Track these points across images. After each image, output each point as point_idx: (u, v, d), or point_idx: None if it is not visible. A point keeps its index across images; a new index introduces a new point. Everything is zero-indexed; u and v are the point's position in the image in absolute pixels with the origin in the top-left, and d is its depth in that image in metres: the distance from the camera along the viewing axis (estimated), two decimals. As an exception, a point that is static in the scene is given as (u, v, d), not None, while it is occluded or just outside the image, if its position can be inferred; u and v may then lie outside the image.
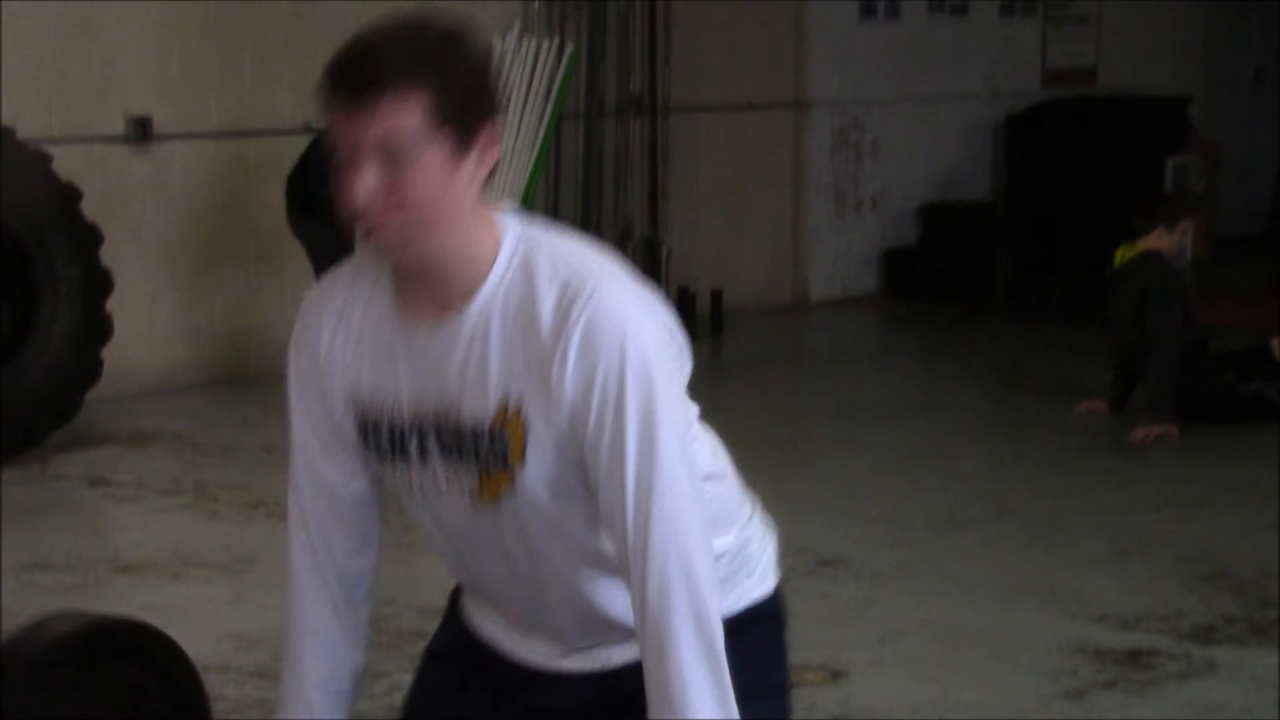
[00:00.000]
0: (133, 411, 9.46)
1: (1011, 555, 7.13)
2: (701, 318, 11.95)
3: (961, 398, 10.53)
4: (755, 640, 2.97)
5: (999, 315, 13.44)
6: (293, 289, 9.84)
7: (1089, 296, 10.66)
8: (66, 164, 9.09)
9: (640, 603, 2.73)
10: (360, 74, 2.65)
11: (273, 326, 10.32)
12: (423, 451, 2.84)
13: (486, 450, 2.77)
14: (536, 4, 11.55)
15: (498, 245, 2.77)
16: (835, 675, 5.94)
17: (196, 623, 6.51)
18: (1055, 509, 7.98)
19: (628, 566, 2.74)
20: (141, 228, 9.99)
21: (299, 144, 9.79)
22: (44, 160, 8.90)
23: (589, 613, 2.92)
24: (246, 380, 10.37)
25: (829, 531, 7.43)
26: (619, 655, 2.94)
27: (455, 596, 3.17)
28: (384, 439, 2.87)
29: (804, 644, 6.14)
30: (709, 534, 2.80)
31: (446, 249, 2.73)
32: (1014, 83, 14.50)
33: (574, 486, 2.78)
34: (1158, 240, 9.37)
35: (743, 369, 10.96)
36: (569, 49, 11.17)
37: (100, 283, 8.87)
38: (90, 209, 8.92)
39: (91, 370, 8.76)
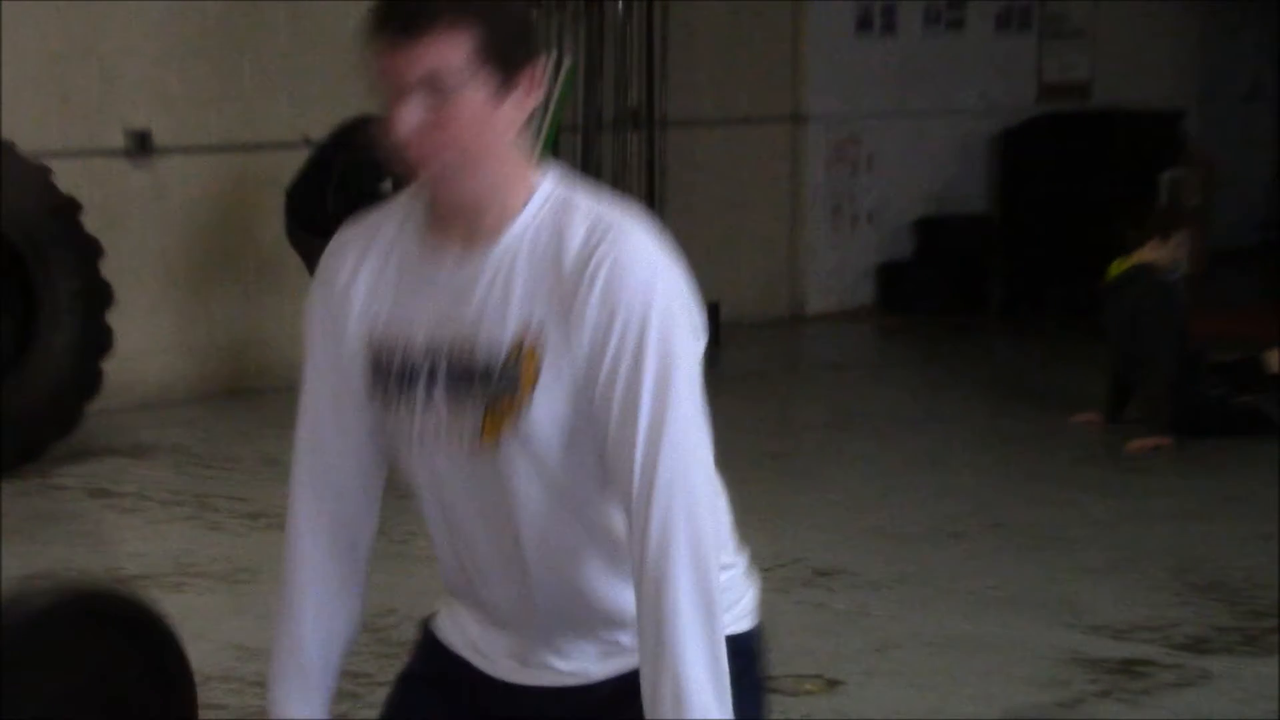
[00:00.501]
0: (133, 423, 9.48)
1: (1006, 566, 7.15)
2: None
3: (957, 410, 10.54)
4: (732, 675, 2.89)
5: (994, 328, 13.46)
6: (292, 302, 9.85)
7: (1084, 309, 10.67)
8: (67, 177, 9.10)
9: (640, 552, 2.71)
10: (410, 9, 2.68)
11: (272, 339, 10.34)
12: (430, 385, 2.82)
13: (497, 380, 2.75)
14: (534, 17, 11.55)
15: (533, 187, 2.79)
16: (832, 685, 5.95)
17: (197, 633, 6.52)
18: (1050, 520, 7.99)
19: (630, 514, 2.72)
20: (142, 241, 10.00)
21: (298, 158, 9.80)
22: (44, 173, 8.92)
23: (572, 599, 2.88)
24: (246, 393, 10.38)
25: (825, 542, 7.44)
26: (598, 669, 2.92)
27: (428, 623, 3.17)
28: (394, 373, 2.85)
29: (801, 654, 6.18)
30: (716, 494, 2.81)
31: (483, 185, 2.76)
32: (1009, 97, 14.52)
33: (577, 439, 2.76)
34: (1152, 253, 9.39)
35: (739, 381, 10.97)
36: (566, 62, 11.20)
37: (101, 295, 8.88)
38: (90, 222, 8.94)
39: (92, 382, 8.78)
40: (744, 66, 12.78)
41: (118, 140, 10.12)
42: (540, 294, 2.74)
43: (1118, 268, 9.48)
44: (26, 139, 9.06)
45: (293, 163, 9.83)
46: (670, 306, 2.74)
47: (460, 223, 2.79)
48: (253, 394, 10.35)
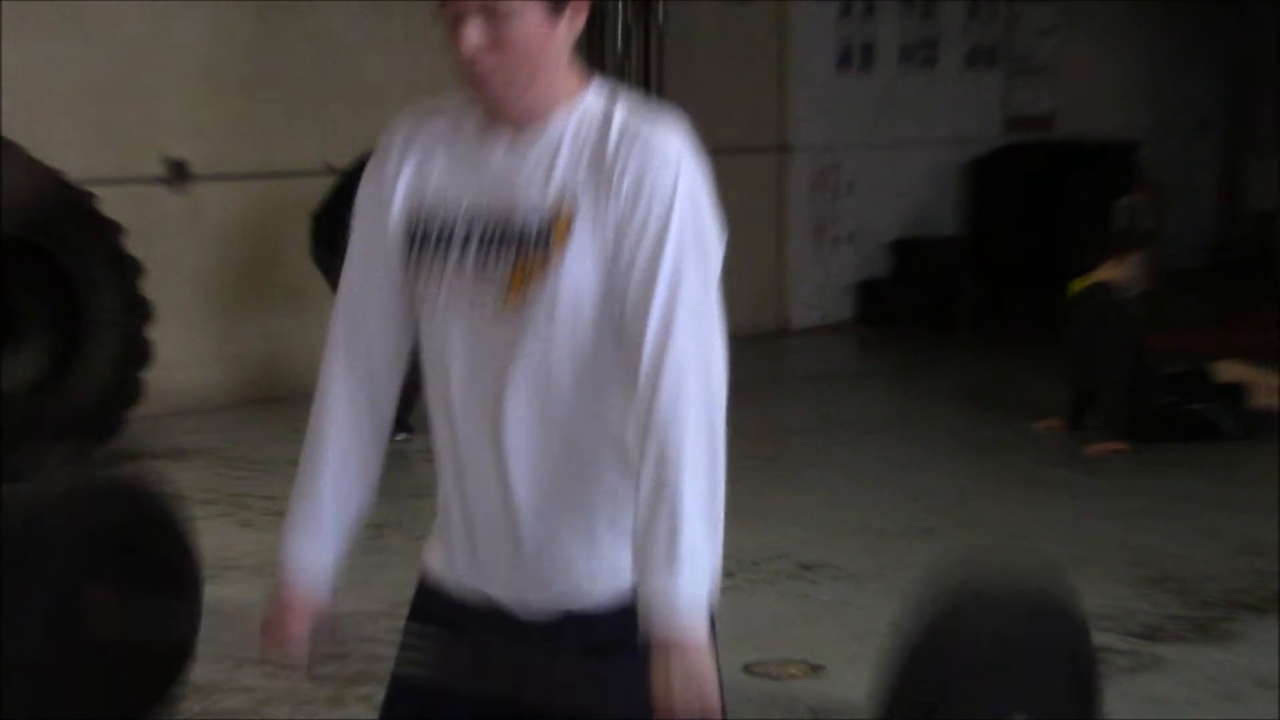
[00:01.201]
0: (172, 429, 9.49)
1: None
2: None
3: (931, 417, 10.55)
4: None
5: (965, 341, 13.45)
6: (317, 318, 9.79)
7: (1047, 324, 10.67)
8: (111, 203, 9.11)
9: (650, 397, 2.69)
10: None
11: (299, 351, 10.33)
12: (464, 249, 2.81)
13: (531, 239, 2.76)
14: None
15: (582, 88, 2.82)
16: (815, 670, 5.96)
17: (231, 620, 6.53)
18: (1016, 518, 8.00)
19: (645, 365, 2.70)
20: (179, 261, 10.01)
21: (322, 184, 9.81)
22: (90, 199, 8.93)
23: (565, 497, 2.84)
24: (275, 400, 10.38)
25: (809, 539, 7.45)
26: (587, 588, 2.86)
27: (422, 580, 3.11)
28: (431, 240, 2.85)
29: (786, 641, 6.19)
30: (724, 359, 2.78)
31: (538, 92, 2.78)
32: (978, 128, 14.54)
33: (597, 311, 2.75)
34: (1109, 272, 9.41)
35: (730, 391, 10.96)
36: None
37: (141, 311, 8.91)
38: (132, 243, 8.95)
39: (134, 391, 8.80)
40: (734, 100, 12.78)
41: (157, 169, 10.13)
42: (580, 168, 2.76)
43: (1078, 285, 9.49)
44: (74, 167, 9.07)
45: (317, 189, 9.83)
46: (695, 189, 2.79)
47: (513, 119, 2.80)
48: (281, 401, 10.35)
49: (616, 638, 2.79)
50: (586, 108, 2.81)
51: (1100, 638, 6.32)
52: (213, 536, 7.63)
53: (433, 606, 3.05)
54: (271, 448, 9.42)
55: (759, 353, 12.43)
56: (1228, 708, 5.70)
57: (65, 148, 9.27)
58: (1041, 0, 14.86)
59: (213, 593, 7.24)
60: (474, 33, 2.71)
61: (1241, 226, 16.77)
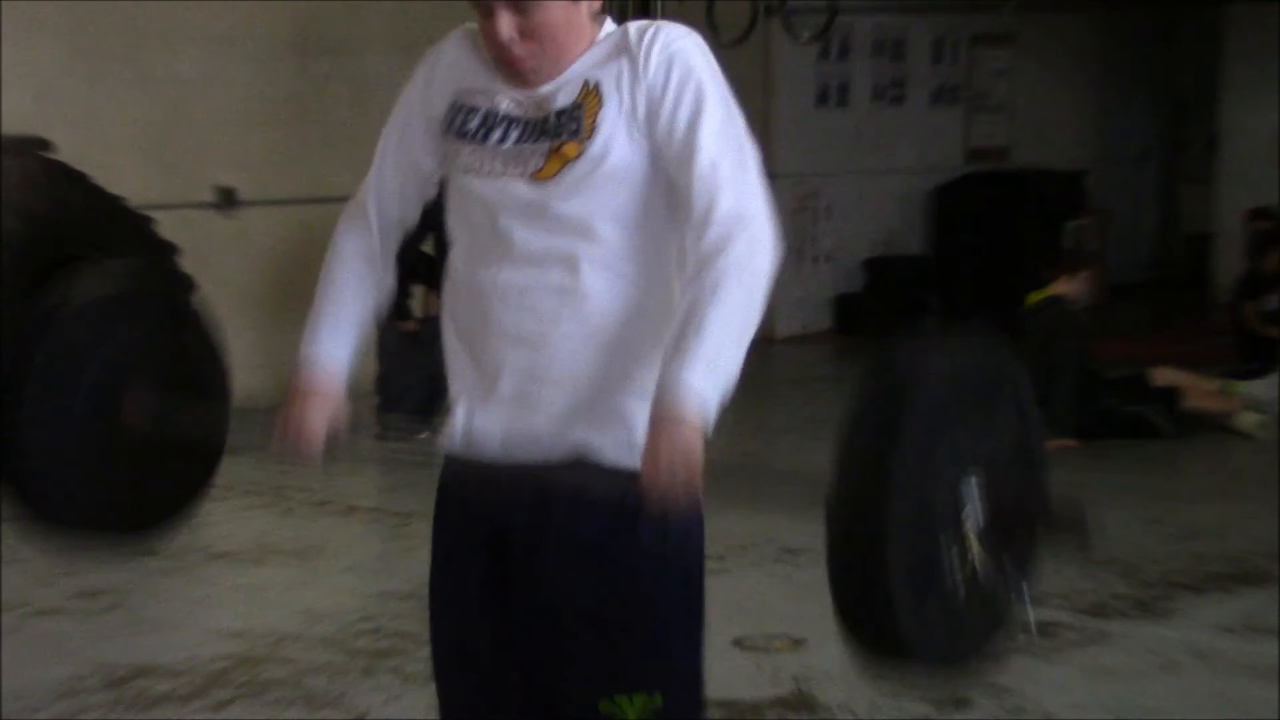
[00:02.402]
0: (220, 428, 9.45)
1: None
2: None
3: (899, 416, 10.53)
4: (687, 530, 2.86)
5: (930, 349, 13.43)
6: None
7: (1004, 333, 10.65)
8: (166, 226, 9.10)
9: (697, 256, 2.67)
10: None
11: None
12: (505, 134, 2.78)
13: (564, 125, 2.73)
14: None
15: (598, 34, 2.81)
16: (797, 644, 5.93)
17: (274, 600, 6.52)
18: (977, 507, 7.98)
19: (692, 230, 2.69)
20: (228, 277, 9.99)
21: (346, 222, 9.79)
22: (149, 222, 8.92)
23: (588, 355, 2.77)
24: (314, 402, 10.36)
25: (792, 525, 7.42)
26: (597, 441, 2.78)
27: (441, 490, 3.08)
28: (472, 127, 2.82)
29: (771, 618, 6.17)
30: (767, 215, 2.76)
31: (567, 62, 2.76)
32: (941, 159, 14.54)
33: (640, 180, 2.72)
34: (1061, 287, 9.41)
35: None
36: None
37: (193, 322, 8.88)
38: (186, 262, 8.91)
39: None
40: (724, 134, 12.75)
41: (208, 195, 10.13)
42: (608, 69, 2.73)
43: (1033, 299, 9.48)
44: (133, 193, 9.05)
45: (352, 213, 9.81)
46: (714, 73, 2.79)
47: (540, 86, 2.78)
48: (319, 403, 10.33)
49: (620, 496, 2.73)
50: (608, 44, 2.78)
51: (1052, 614, 6.35)
52: (257, 523, 7.67)
53: (452, 481, 3.03)
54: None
55: (746, 359, 12.41)
56: (1167, 677, 5.69)
57: (127, 176, 9.27)
58: (997, 46, 14.86)
59: (256, 574, 7.28)
60: (505, 23, 2.69)
61: (1176, 247, 16.79)
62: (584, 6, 2.75)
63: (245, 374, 11.04)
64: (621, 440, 2.76)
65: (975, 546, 2.57)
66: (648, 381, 2.70)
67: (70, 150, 9.05)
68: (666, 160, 2.73)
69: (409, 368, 9.21)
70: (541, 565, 2.82)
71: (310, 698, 5.42)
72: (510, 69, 2.75)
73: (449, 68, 2.91)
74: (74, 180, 8.90)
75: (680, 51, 2.75)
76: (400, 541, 7.33)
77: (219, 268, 9.94)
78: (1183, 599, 6.56)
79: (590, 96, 2.73)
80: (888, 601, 2.47)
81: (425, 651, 5.74)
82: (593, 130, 2.71)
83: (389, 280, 3.10)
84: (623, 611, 2.77)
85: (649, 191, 2.74)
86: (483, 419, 2.85)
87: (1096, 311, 9.76)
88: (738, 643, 5.86)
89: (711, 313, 2.62)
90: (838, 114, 13.72)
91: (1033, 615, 2.75)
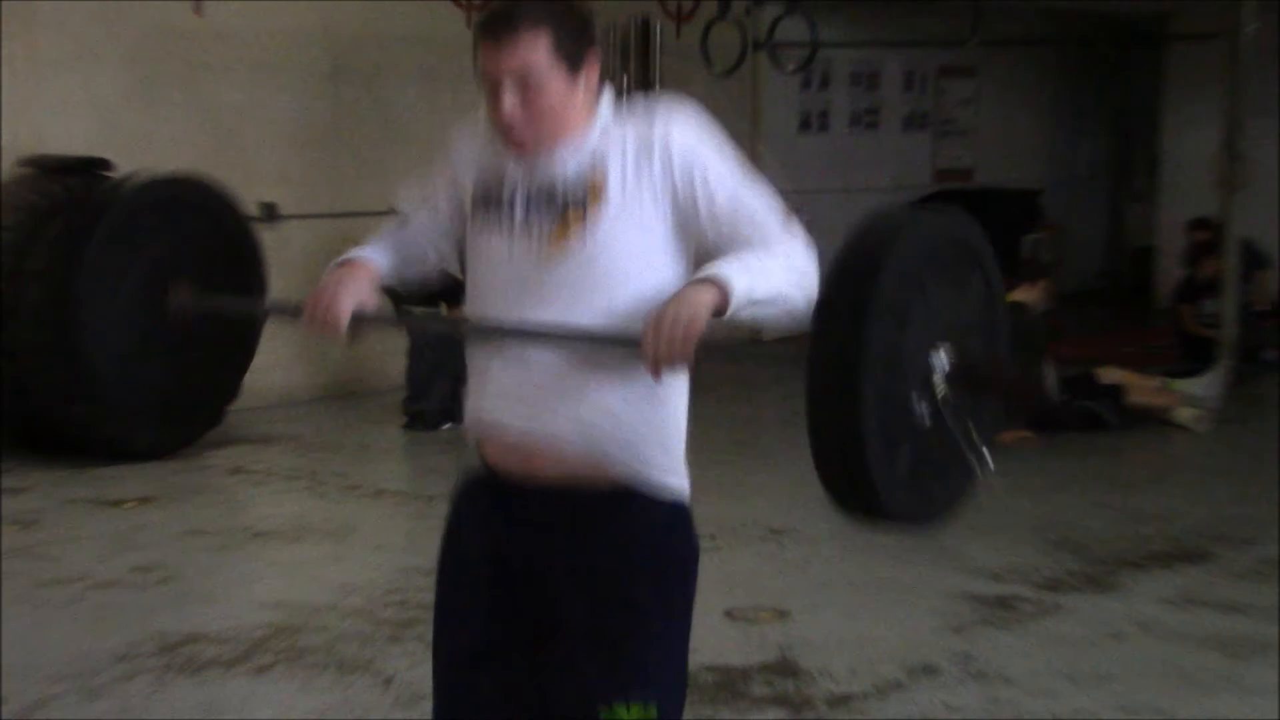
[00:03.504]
0: (263, 419, 9.46)
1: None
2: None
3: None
4: (682, 532, 2.84)
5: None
6: (383, 340, 9.81)
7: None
8: (215, 237, 9.09)
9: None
10: (502, 23, 2.67)
11: (366, 356, 10.32)
12: (519, 207, 2.76)
13: (570, 201, 2.71)
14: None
15: (598, 105, 2.78)
16: (782, 615, 5.92)
17: (310, 574, 6.50)
18: (943, 492, 7.97)
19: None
20: (270, 283, 9.97)
21: (385, 222, 9.79)
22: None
23: (578, 392, 2.74)
24: (347, 396, 10.37)
25: (778, 507, 7.42)
26: (601, 471, 2.74)
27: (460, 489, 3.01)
28: (493, 199, 2.80)
29: (758, 591, 6.16)
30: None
31: (564, 136, 2.73)
32: (912, 178, 14.53)
33: (625, 254, 2.69)
34: (1020, 294, 9.37)
35: (713, 388, 10.95)
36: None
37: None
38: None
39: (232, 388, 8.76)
40: (716, 156, 12.76)
41: (252, 209, 10.07)
42: (612, 150, 2.71)
43: (994, 305, 9.46)
44: (184, 208, 9.06)
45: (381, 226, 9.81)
46: (718, 139, 2.78)
47: (541, 154, 2.75)
48: (351, 396, 10.33)
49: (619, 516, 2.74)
50: (608, 117, 2.77)
51: (1013, 588, 6.34)
52: (295, 505, 7.66)
53: (470, 498, 2.96)
54: (343, 434, 9.40)
55: (734, 360, 12.39)
56: (1114, 645, 5.68)
57: (178, 192, 9.27)
58: (961, 78, 14.85)
59: (293, 551, 7.25)
60: (509, 98, 2.67)
61: (1122, 258, 16.78)
62: (581, 90, 2.73)
63: (284, 371, 11.13)
64: (633, 463, 2.77)
65: (942, 402, 2.53)
66: (649, 412, 2.75)
67: (128, 169, 9.03)
68: (702, 229, 2.71)
69: (435, 366, 9.23)
70: (548, 589, 2.80)
71: (342, 663, 5.41)
72: (513, 142, 2.73)
73: (470, 143, 2.91)
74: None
75: (684, 131, 2.73)
76: (424, 521, 7.31)
77: (262, 275, 9.93)
78: (1128, 575, 6.55)
79: (597, 173, 2.70)
80: (861, 448, 2.40)
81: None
82: (599, 204, 2.69)
83: (423, 270, 3.08)
84: (625, 631, 2.75)
85: (657, 256, 2.71)
86: (495, 422, 2.84)
87: (1052, 316, 9.74)
88: (728, 614, 5.85)
89: (761, 256, 2.66)
90: (819, 138, 13.71)
91: (991, 464, 2.68)
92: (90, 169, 8.83)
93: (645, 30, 11.75)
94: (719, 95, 12.62)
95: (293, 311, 3.00)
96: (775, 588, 6.24)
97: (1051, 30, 15.31)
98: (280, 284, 10.13)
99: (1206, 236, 11.18)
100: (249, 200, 10.12)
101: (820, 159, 13.68)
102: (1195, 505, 7.76)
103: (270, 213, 10.22)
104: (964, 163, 15.06)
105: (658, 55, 11.76)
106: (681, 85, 12.05)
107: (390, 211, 9.05)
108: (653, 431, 2.78)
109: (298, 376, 10.27)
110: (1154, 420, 9.60)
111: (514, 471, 2.81)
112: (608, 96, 2.80)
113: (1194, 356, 10.67)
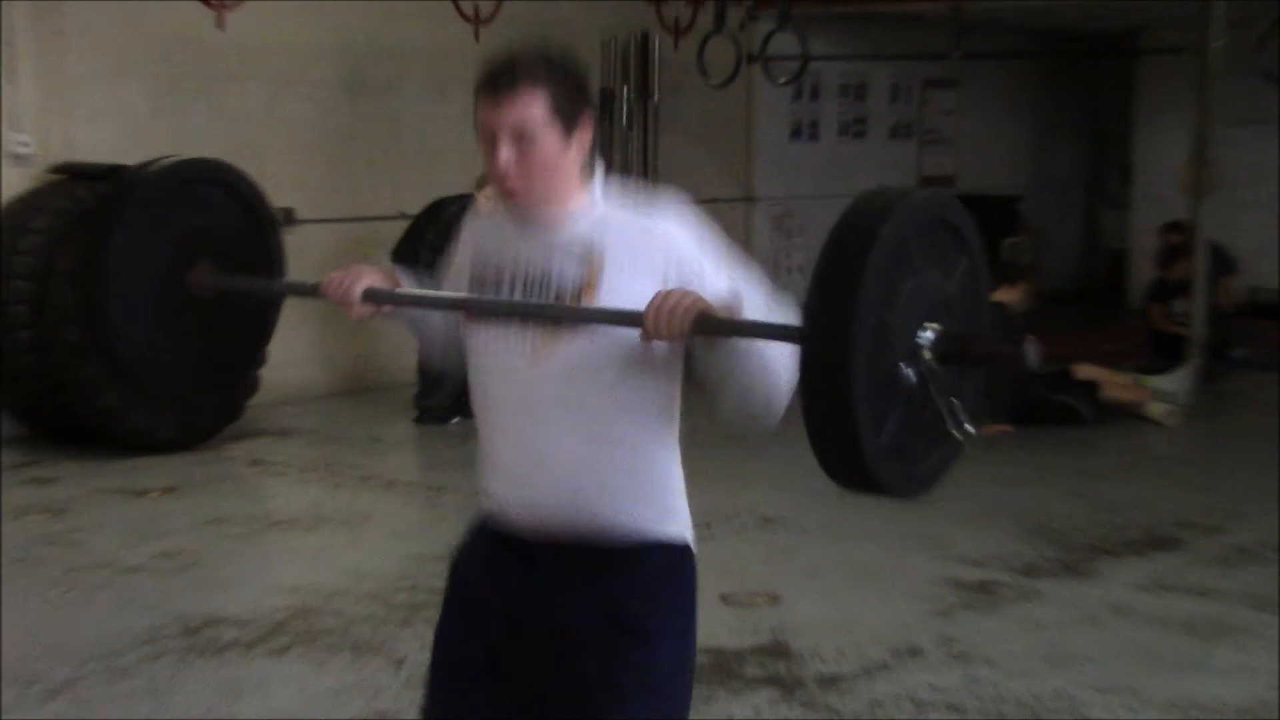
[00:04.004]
0: (281, 413, 9.45)
1: (899, 516, 7.11)
2: (679, 349, 11.97)
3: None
4: (684, 579, 2.83)
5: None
6: (394, 334, 9.80)
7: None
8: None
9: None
10: (502, 79, 2.65)
11: (379, 354, 10.32)
12: (511, 293, 2.74)
13: (565, 292, 2.68)
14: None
15: (593, 186, 2.75)
16: (774, 599, 5.92)
17: (326, 560, 6.50)
18: (927, 483, 7.97)
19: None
20: (286, 265, 9.97)
21: (396, 226, 9.80)
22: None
23: (575, 477, 2.71)
24: (362, 391, 10.36)
25: (770, 498, 7.42)
26: (609, 532, 2.73)
27: (471, 535, 2.96)
28: (488, 286, 2.77)
29: (751, 577, 6.16)
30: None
31: (558, 200, 2.71)
32: (897, 185, 14.51)
33: (614, 359, 2.65)
34: (1003, 295, 9.36)
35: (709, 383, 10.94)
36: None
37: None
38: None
39: (252, 384, 8.74)
40: (712, 162, 12.77)
41: (271, 213, 10.10)
42: (609, 242, 2.68)
43: (975, 305, 9.45)
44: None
45: (393, 230, 9.83)
46: (716, 244, 2.74)
47: (538, 218, 2.73)
48: (366, 392, 10.32)
49: (631, 569, 2.72)
50: (599, 201, 2.73)
51: (992, 574, 6.34)
52: (311, 495, 7.66)
53: (481, 541, 2.90)
54: (357, 427, 9.39)
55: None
56: (1089, 628, 5.68)
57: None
58: (945, 89, 14.83)
59: (310, 539, 7.24)
60: (505, 149, 2.65)
61: (1097, 261, 16.77)
62: (574, 150, 2.70)
63: (302, 367, 11.13)
64: (636, 523, 2.75)
65: (928, 374, 2.51)
66: (647, 476, 2.75)
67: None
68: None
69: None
70: (562, 635, 2.77)
71: (357, 644, 5.41)
72: (507, 192, 2.70)
73: (473, 233, 2.90)
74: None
75: (684, 233, 2.70)
76: (434, 511, 7.31)
77: (280, 276, 9.92)
78: (1103, 562, 6.55)
79: (592, 268, 2.68)
80: (851, 413, 2.38)
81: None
82: (592, 301, 2.67)
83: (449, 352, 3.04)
84: (630, 660, 2.72)
85: (647, 349, 2.67)
86: (502, 496, 2.82)
87: (1030, 315, 9.73)
88: (723, 598, 5.84)
89: (763, 351, 2.63)
90: (809, 146, 13.69)
91: (974, 430, 2.65)
92: (116, 175, 8.80)
93: (645, 43, 11.76)
94: (715, 105, 12.62)
95: (310, 289, 2.98)
96: (767, 574, 6.24)
97: (1030, 45, 15.31)
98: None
99: (1179, 240, 11.17)
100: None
101: (811, 166, 13.66)
102: (1166, 495, 7.75)
103: (288, 217, 10.20)
104: (947, 170, 15.04)
105: (657, 67, 11.78)
106: (679, 95, 12.08)
107: (401, 215, 9.05)
108: (653, 491, 2.78)
109: (314, 373, 10.26)
110: (1127, 415, 9.60)
111: (522, 535, 2.80)
112: (600, 173, 2.77)
113: (1165, 354, 10.66)
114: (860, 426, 2.38)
